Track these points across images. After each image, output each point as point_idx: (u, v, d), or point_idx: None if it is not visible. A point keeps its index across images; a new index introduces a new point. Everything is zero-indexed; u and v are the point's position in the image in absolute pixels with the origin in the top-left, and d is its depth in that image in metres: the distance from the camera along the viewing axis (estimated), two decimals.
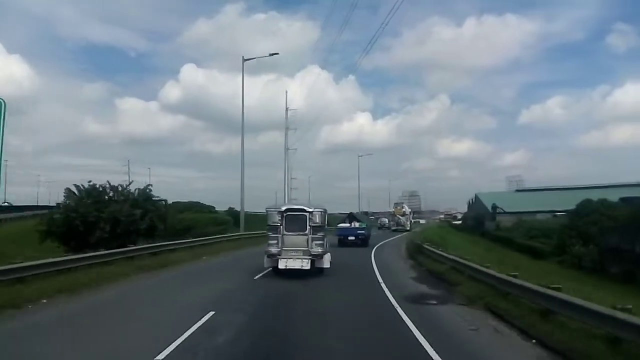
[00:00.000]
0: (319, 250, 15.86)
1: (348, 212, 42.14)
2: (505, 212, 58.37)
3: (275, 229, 15.82)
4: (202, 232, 26.77)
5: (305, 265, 15.56)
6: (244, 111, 38.81)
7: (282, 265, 15.62)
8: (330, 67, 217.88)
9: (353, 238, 31.20)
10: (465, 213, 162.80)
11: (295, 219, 15.98)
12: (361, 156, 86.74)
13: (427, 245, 23.46)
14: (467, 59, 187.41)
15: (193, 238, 26.29)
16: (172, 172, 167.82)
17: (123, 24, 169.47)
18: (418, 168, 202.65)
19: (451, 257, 17.62)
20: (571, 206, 60.47)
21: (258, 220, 59.56)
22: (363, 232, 32.35)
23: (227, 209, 54.34)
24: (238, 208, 59.88)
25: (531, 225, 48.35)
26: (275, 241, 15.76)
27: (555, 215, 54.69)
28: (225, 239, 30.89)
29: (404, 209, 70.40)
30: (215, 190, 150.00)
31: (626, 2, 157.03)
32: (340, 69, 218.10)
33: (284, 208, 16.35)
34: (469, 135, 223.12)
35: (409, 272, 18.73)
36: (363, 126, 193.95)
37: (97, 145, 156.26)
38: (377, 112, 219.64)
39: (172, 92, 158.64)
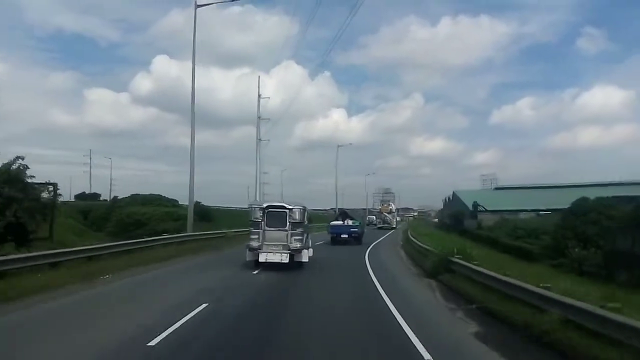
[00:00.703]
0: (298, 245, 16.90)
1: (340, 210, 41.53)
2: (486, 211, 56.26)
3: (257, 224, 16.87)
4: (153, 229, 22.91)
5: (284, 259, 16.58)
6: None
7: (262, 258, 16.59)
8: (306, 63, 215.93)
9: (346, 236, 30.87)
10: (440, 211, 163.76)
11: (275, 215, 17.02)
12: (340, 146, 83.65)
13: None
14: (441, 59, 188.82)
15: (139, 238, 21.78)
16: (144, 166, 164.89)
17: (94, 12, 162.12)
18: (391, 165, 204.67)
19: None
20: (554, 205, 59.15)
21: (231, 217, 56.18)
22: (357, 230, 31.82)
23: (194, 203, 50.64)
24: (209, 202, 56.00)
25: (515, 224, 46.15)
26: (256, 236, 16.78)
27: (539, 214, 52.89)
28: (164, 242, 22.92)
29: (390, 207, 70.48)
30: (185, 185, 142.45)
31: (595, 7, 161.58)
32: (316, 65, 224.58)
33: (265, 205, 17.43)
34: (441, 134, 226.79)
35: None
36: (338, 123, 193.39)
37: (63, 137, 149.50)
38: (352, 109, 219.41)
39: (143, 83, 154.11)
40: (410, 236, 32.71)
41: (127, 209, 30.43)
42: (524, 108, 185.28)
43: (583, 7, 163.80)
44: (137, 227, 24.69)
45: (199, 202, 49.74)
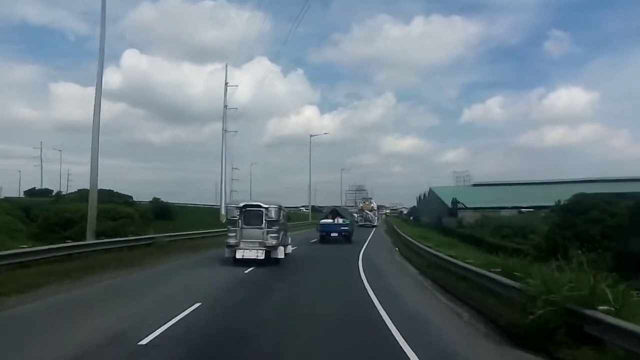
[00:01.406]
0: (274, 242, 17.52)
1: (332, 207, 39.50)
2: (466, 208, 53.65)
3: (234, 222, 17.58)
4: (83, 230, 18.73)
5: (260, 255, 17.17)
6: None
7: (239, 255, 17.21)
8: (279, 59, 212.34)
9: (336, 234, 30.46)
10: (412, 208, 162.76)
11: (252, 214, 17.64)
12: (313, 136, 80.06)
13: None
14: (413, 57, 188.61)
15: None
16: (111, 162, 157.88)
17: (61, 4, 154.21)
18: (363, 163, 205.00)
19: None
20: (535, 202, 57.18)
21: (199, 215, 52.06)
22: (347, 228, 31.17)
23: (151, 199, 46.20)
24: (180, 200, 51.50)
25: (499, 222, 43.59)
26: (234, 234, 17.42)
27: (521, 212, 50.60)
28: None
29: (372, 205, 68.36)
30: (156, 182, 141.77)
31: (560, 9, 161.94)
32: (289, 61, 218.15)
33: (242, 204, 18.04)
34: (413, 133, 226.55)
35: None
36: (310, 120, 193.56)
37: (26, 131, 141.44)
38: (325, 107, 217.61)
39: (112, 78, 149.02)
40: (411, 239, 28.39)
41: (65, 205, 25.93)
42: (493, 107, 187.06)
43: (548, 9, 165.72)
44: (65, 227, 20.42)
45: (158, 199, 45.48)
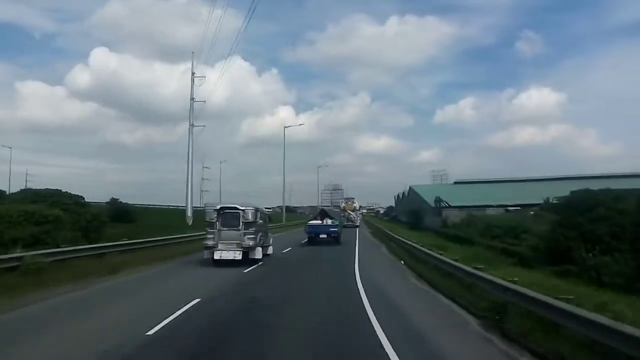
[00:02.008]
0: (251, 243, 17.93)
1: (320, 208, 39.04)
2: (450, 207, 51.07)
3: (211, 224, 18.01)
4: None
5: (238, 256, 17.54)
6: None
7: (217, 255, 17.45)
8: (253, 58, 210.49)
9: (325, 236, 29.71)
10: (389, 208, 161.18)
11: (229, 216, 17.99)
12: (287, 127, 76.52)
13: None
14: (388, 57, 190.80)
15: None
16: (81, 164, 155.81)
17: (26, 1, 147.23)
18: (338, 163, 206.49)
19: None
20: (520, 200, 55.02)
21: (166, 216, 47.69)
22: (336, 229, 30.32)
23: (109, 199, 42.01)
24: (151, 201, 47.42)
25: (486, 221, 41.04)
26: (212, 235, 17.86)
27: (508, 210, 48.31)
28: None
29: (354, 204, 65.94)
30: (127, 183, 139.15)
31: (531, 11, 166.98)
32: (263, 61, 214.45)
33: (219, 206, 18.34)
34: (387, 132, 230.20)
35: None
36: (285, 120, 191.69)
37: None
38: (300, 107, 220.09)
39: (81, 76, 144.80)
40: (411, 242, 23.21)
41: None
42: (465, 107, 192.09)
43: (519, 11, 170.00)
44: None
45: (116, 199, 41.42)
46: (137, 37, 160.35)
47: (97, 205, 39.72)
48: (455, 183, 72.91)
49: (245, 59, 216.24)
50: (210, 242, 17.74)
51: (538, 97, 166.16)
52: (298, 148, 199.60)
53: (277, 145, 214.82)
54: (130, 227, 34.07)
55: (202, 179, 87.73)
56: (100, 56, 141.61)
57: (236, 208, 18.05)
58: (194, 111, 42.01)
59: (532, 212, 43.84)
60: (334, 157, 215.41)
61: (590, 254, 20.69)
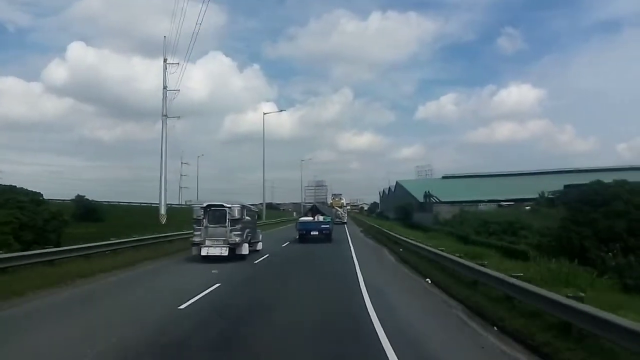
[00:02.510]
0: (237, 239, 18.29)
1: (311, 204, 39.87)
2: (440, 202, 48.87)
3: (199, 222, 18.28)
4: None
5: (224, 252, 17.89)
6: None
7: (204, 252, 17.85)
8: (235, 54, 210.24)
9: (317, 233, 28.86)
10: (373, 204, 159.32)
11: (216, 214, 18.37)
12: (266, 114, 73.34)
13: None
14: (370, 54, 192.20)
15: None
16: (58, 161, 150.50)
17: None
18: (320, 160, 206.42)
19: None
20: (513, 194, 53.18)
21: (138, 215, 43.88)
22: (327, 226, 29.55)
23: (75, 197, 38.56)
24: (128, 199, 44.54)
25: (479, 217, 38.87)
26: (199, 232, 18.16)
27: (501, 205, 46.31)
28: None
29: (342, 201, 64.14)
30: (105, 181, 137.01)
31: (511, 8, 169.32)
32: (244, 57, 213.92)
33: (206, 204, 18.72)
34: (369, 129, 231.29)
35: None
36: (267, 116, 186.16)
37: None
38: (282, 103, 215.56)
39: (57, 72, 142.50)
40: (426, 247, 18.48)
41: None
42: (446, 104, 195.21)
43: (499, 8, 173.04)
44: None
45: (83, 196, 38.07)
46: (115, 31, 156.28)
47: (61, 203, 36.57)
48: (444, 178, 70.92)
49: (227, 55, 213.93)
50: (197, 239, 18.13)
51: (518, 93, 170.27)
52: (280, 145, 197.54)
53: (260, 142, 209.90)
54: (99, 227, 31.01)
55: (180, 175, 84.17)
56: (77, 51, 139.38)
57: (222, 205, 18.46)
58: (167, 101, 38.83)
59: (527, 207, 41.93)
60: (317, 154, 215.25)
61: (610, 254, 18.48)
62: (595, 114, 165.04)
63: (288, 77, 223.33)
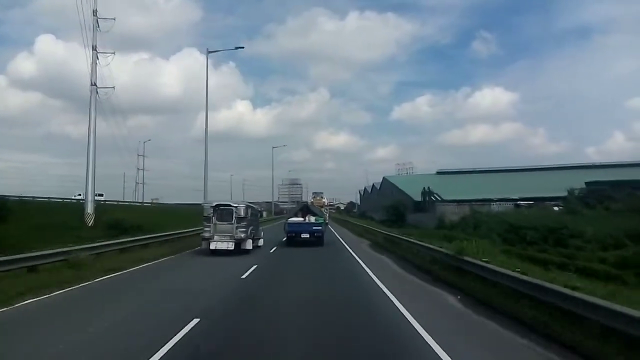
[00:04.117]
0: (242, 235, 20.45)
1: (302, 203, 36.02)
2: (442, 200, 40.69)
3: (208, 219, 20.33)
4: None
5: (230, 246, 19.95)
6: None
7: (212, 246, 19.95)
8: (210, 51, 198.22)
9: (307, 235, 26.48)
10: (350, 203, 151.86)
11: (223, 212, 20.46)
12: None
13: None
14: (347, 53, 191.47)
15: None
16: (23, 157, 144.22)
17: None
18: (296, 159, 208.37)
19: None
20: (528, 192, 45.24)
21: (60, 212, 33.19)
22: (319, 227, 27.05)
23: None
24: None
25: (499, 219, 30.95)
26: (209, 228, 20.24)
27: (518, 205, 38.49)
28: None
29: (323, 200, 58.36)
30: (73, 177, 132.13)
31: (486, 13, 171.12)
32: (220, 54, 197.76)
33: (215, 204, 20.88)
34: (346, 129, 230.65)
35: None
36: (243, 114, 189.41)
37: None
38: (258, 101, 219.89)
39: (24, 65, 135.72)
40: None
41: None
42: (422, 105, 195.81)
43: (473, 13, 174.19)
44: None
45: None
46: (86, 25, 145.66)
47: None
48: (439, 173, 62.76)
49: (202, 52, 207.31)
50: (207, 234, 20.28)
51: (492, 96, 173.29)
52: (255, 143, 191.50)
53: (235, 140, 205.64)
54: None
55: (138, 169, 74.22)
56: (45, 44, 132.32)
57: (230, 205, 20.88)
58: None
59: (556, 208, 34.28)
60: (292, 153, 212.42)
61: None
62: (566, 118, 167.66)
63: (265, 76, 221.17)
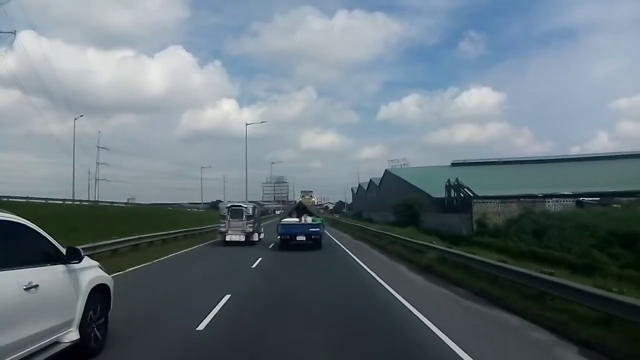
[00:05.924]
0: (250, 230, 25.09)
1: (296, 203, 33.01)
2: (477, 197, 31.39)
3: (224, 217, 25.02)
4: None
5: (242, 238, 24.56)
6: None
7: (227, 238, 24.50)
8: (196, 50, 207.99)
9: (304, 238, 24.08)
10: (339, 202, 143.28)
11: (236, 211, 25.11)
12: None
13: None
14: (335, 52, 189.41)
15: None
16: (4, 157, 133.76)
17: None
18: (282, 158, 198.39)
19: None
20: (577, 187, 35.66)
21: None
22: (318, 229, 24.30)
23: None
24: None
25: (572, 222, 22.08)
26: (224, 224, 24.92)
27: (580, 203, 29.52)
28: None
29: (313, 199, 55.25)
30: (58, 178, 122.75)
31: (473, 14, 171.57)
32: (206, 52, 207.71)
33: (229, 204, 25.88)
34: (332, 128, 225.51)
35: None
36: (229, 113, 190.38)
37: None
38: (244, 100, 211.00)
39: (3, 61, 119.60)
40: None
41: None
42: (409, 105, 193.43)
43: (460, 15, 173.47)
44: None
45: None
46: (68, 21, 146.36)
47: None
48: (453, 165, 53.46)
49: (188, 50, 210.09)
50: (222, 229, 24.89)
51: (478, 96, 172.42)
52: (240, 143, 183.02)
53: (220, 139, 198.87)
54: None
55: (97, 163, 64.58)
56: (26, 40, 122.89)
57: (241, 205, 25.79)
58: None
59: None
60: (279, 153, 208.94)
61: None
62: (549, 119, 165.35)
63: (251, 75, 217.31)
